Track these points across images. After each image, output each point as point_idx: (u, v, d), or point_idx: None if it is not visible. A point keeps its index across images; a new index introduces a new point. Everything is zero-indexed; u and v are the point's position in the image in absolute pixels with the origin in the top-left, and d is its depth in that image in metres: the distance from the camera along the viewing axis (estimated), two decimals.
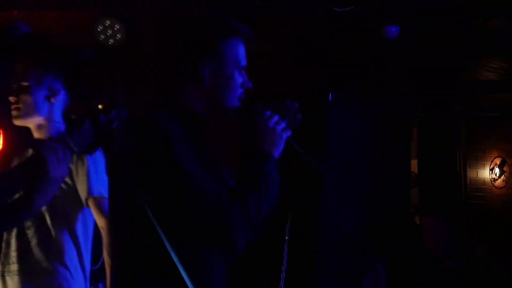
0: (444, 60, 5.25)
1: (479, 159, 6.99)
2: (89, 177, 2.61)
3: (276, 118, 1.83)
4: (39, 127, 2.68)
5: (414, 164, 6.76)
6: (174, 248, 1.58)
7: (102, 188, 2.62)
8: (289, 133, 1.85)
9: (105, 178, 2.66)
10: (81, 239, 2.66)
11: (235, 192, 1.67)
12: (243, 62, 1.86)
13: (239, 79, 1.84)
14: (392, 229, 5.68)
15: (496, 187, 7.05)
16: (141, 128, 1.69)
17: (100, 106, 1.60)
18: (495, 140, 7.07)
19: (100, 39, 4.85)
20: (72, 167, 2.62)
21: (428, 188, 6.67)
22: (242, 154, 1.81)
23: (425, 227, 5.44)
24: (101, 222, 2.64)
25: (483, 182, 7.02)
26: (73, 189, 2.64)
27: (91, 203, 2.63)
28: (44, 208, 2.56)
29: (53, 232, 2.60)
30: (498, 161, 7.04)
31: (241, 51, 1.85)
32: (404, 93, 6.06)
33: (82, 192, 2.63)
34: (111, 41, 4.90)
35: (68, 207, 2.63)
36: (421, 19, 4.58)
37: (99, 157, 2.66)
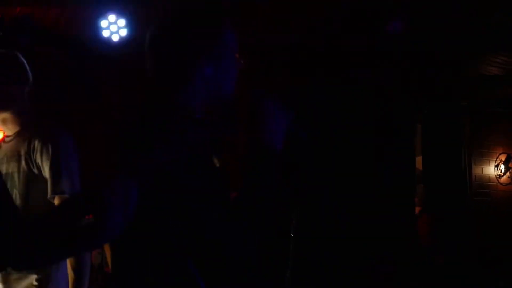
0: (448, 55, 5.22)
1: (484, 156, 6.96)
2: (51, 174, 2.55)
3: (278, 106, 1.78)
4: (4, 121, 2.67)
5: (418, 161, 6.74)
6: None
7: (65, 186, 2.55)
8: (287, 122, 1.79)
9: (70, 175, 2.63)
10: None
11: (240, 198, 1.63)
12: (237, 47, 1.82)
13: (236, 66, 1.81)
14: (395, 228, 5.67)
15: (501, 184, 7.01)
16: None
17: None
18: (500, 136, 7.03)
19: (104, 35, 4.85)
20: (38, 161, 2.58)
21: (433, 185, 6.64)
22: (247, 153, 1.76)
23: (422, 223, 5.42)
24: None
25: (489, 178, 6.98)
26: (45, 183, 2.59)
27: (56, 203, 2.57)
28: (20, 205, 2.54)
29: None
30: (503, 157, 7.00)
31: (234, 37, 1.79)
32: (408, 89, 6.03)
33: (48, 191, 2.57)
34: (114, 37, 4.90)
35: (44, 201, 2.58)
36: (425, 14, 4.56)
37: (65, 150, 2.60)
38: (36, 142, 2.59)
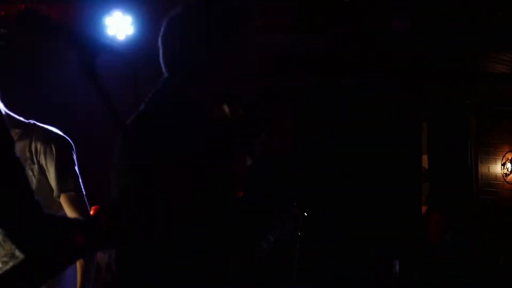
0: (454, 53, 5.19)
1: (490, 154, 6.92)
2: (57, 173, 2.54)
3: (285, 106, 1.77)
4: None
5: (424, 160, 6.71)
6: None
7: (72, 183, 2.55)
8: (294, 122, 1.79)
9: (74, 173, 2.62)
10: None
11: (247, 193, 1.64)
12: (255, 42, 1.80)
13: (253, 58, 1.78)
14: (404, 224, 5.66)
15: (508, 182, 6.97)
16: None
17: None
18: (507, 134, 6.99)
19: (109, 32, 4.84)
20: (42, 163, 2.57)
21: (439, 184, 6.61)
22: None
23: (433, 221, 5.40)
24: None
25: (495, 177, 6.95)
26: (49, 185, 2.58)
27: (62, 201, 2.55)
28: None
29: None
30: (510, 156, 6.97)
31: (254, 30, 1.78)
32: (413, 87, 6.00)
33: (54, 189, 2.56)
34: (120, 34, 4.89)
35: (48, 205, 2.54)
36: (431, 12, 4.53)
37: (67, 150, 2.60)
38: (39, 144, 2.59)
